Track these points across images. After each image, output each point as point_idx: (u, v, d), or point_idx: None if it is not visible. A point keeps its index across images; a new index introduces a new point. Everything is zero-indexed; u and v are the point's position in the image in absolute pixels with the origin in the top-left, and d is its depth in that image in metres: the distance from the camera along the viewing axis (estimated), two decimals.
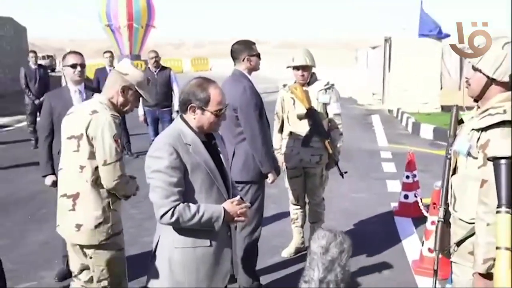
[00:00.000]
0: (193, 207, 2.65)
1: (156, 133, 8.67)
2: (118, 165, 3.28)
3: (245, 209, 2.80)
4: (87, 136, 3.26)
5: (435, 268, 2.64)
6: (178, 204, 2.63)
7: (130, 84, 3.36)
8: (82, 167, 3.30)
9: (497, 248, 1.99)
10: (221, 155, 2.89)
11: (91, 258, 3.43)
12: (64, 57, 4.63)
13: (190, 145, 2.71)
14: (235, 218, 2.78)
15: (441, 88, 15.91)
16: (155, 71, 8.97)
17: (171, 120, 8.66)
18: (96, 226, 3.33)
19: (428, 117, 13.88)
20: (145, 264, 3.01)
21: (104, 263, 3.42)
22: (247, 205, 2.85)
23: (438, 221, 2.70)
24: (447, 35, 14.91)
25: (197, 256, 2.75)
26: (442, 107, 15.28)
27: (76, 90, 4.58)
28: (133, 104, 3.46)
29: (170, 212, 2.62)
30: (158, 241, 2.82)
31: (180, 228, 2.70)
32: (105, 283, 3.46)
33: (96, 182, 3.30)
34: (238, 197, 2.86)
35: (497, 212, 1.99)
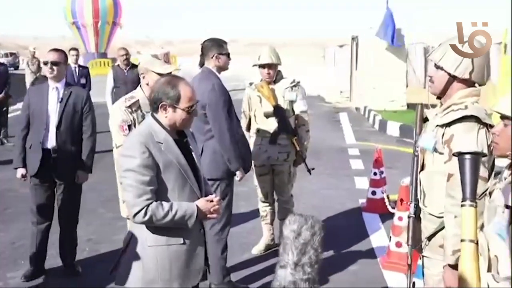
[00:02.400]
0: (166, 205, 2.66)
1: None
2: None
3: (218, 207, 2.81)
4: None
5: (409, 262, 2.71)
6: (151, 203, 2.63)
7: (144, 68, 3.69)
8: (113, 149, 3.77)
9: (461, 240, 2.05)
10: (193, 153, 2.89)
11: None
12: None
13: (162, 143, 2.71)
14: (208, 215, 2.80)
15: (407, 86, 16.17)
16: (125, 69, 8.88)
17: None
18: (124, 201, 3.61)
19: (394, 114, 14.08)
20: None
21: None
22: (220, 202, 2.86)
23: (409, 217, 2.76)
24: (398, 45, 15.03)
25: (171, 254, 2.75)
26: (408, 105, 15.54)
27: (54, 88, 4.64)
28: None
29: (143, 211, 2.62)
30: (130, 239, 2.82)
31: (152, 226, 2.70)
32: None
33: None
34: (213, 196, 2.87)
35: (462, 205, 2.05)
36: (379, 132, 12.82)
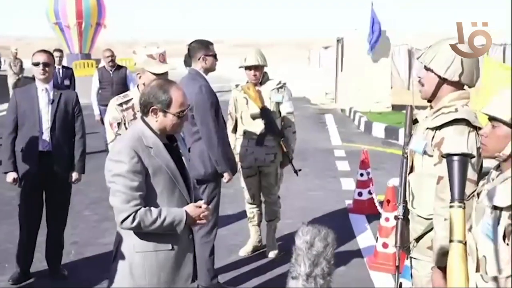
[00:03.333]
0: (154, 211, 2.62)
1: None
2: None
3: (207, 213, 2.78)
4: None
5: (397, 264, 2.73)
6: (139, 209, 2.59)
7: (140, 69, 3.68)
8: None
9: (450, 241, 2.06)
10: (183, 158, 2.87)
11: None
12: (32, 55, 4.63)
13: (151, 148, 2.68)
14: (197, 221, 2.76)
15: (391, 87, 16.27)
16: (111, 70, 8.85)
17: None
18: None
19: (379, 116, 14.15)
20: (103, 265, 2.97)
21: None
22: (209, 208, 2.84)
23: (398, 218, 2.78)
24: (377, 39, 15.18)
25: (159, 260, 2.71)
26: (393, 106, 15.63)
27: (43, 89, 4.60)
28: None
29: (131, 217, 2.58)
30: (119, 245, 2.78)
31: (141, 232, 2.67)
32: None
33: None
34: (202, 201, 2.84)
35: (450, 206, 2.06)
36: (365, 133, 12.88)
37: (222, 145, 4.36)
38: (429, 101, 2.80)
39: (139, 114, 3.50)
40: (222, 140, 4.38)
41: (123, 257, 2.74)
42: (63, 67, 9.79)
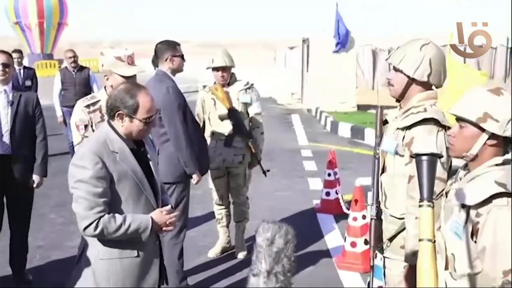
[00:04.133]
0: (118, 218, 2.56)
1: None
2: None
3: (174, 219, 2.73)
4: None
5: (372, 264, 2.75)
6: (103, 216, 2.52)
7: (107, 70, 3.57)
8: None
9: (420, 240, 2.09)
10: (150, 163, 2.80)
11: None
12: None
13: (117, 153, 2.61)
14: (164, 228, 2.71)
15: (357, 87, 16.46)
16: (73, 71, 8.70)
17: None
18: None
19: (345, 115, 14.29)
20: (69, 269, 2.90)
21: None
22: (176, 214, 2.79)
23: (371, 219, 2.81)
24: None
25: (124, 268, 2.66)
26: (358, 106, 15.81)
27: (2, 91, 4.48)
28: None
29: (94, 224, 2.51)
30: (83, 251, 2.71)
31: (105, 239, 2.60)
32: None
33: None
34: (168, 207, 2.78)
35: (420, 206, 2.08)
36: (331, 133, 12.98)
37: (191, 146, 4.32)
38: (398, 100, 2.84)
39: (106, 117, 3.44)
40: (191, 141, 4.33)
41: (87, 264, 2.67)
42: (25, 67, 9.57)
